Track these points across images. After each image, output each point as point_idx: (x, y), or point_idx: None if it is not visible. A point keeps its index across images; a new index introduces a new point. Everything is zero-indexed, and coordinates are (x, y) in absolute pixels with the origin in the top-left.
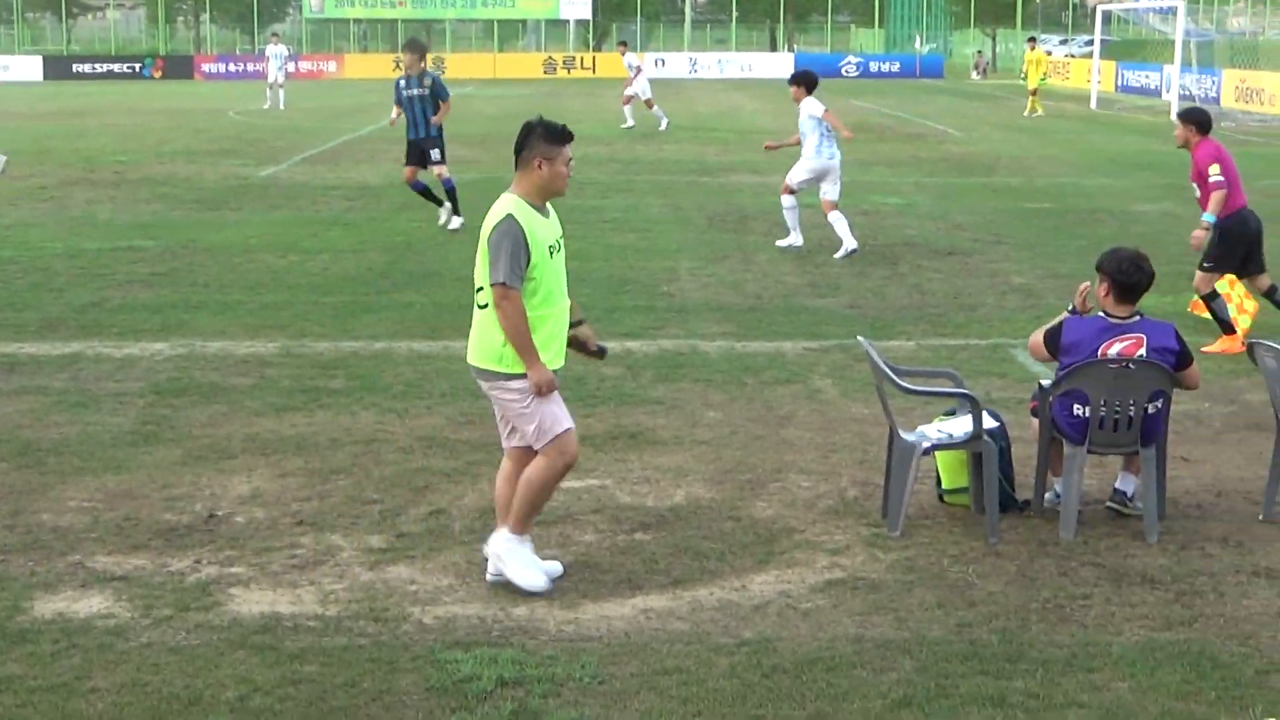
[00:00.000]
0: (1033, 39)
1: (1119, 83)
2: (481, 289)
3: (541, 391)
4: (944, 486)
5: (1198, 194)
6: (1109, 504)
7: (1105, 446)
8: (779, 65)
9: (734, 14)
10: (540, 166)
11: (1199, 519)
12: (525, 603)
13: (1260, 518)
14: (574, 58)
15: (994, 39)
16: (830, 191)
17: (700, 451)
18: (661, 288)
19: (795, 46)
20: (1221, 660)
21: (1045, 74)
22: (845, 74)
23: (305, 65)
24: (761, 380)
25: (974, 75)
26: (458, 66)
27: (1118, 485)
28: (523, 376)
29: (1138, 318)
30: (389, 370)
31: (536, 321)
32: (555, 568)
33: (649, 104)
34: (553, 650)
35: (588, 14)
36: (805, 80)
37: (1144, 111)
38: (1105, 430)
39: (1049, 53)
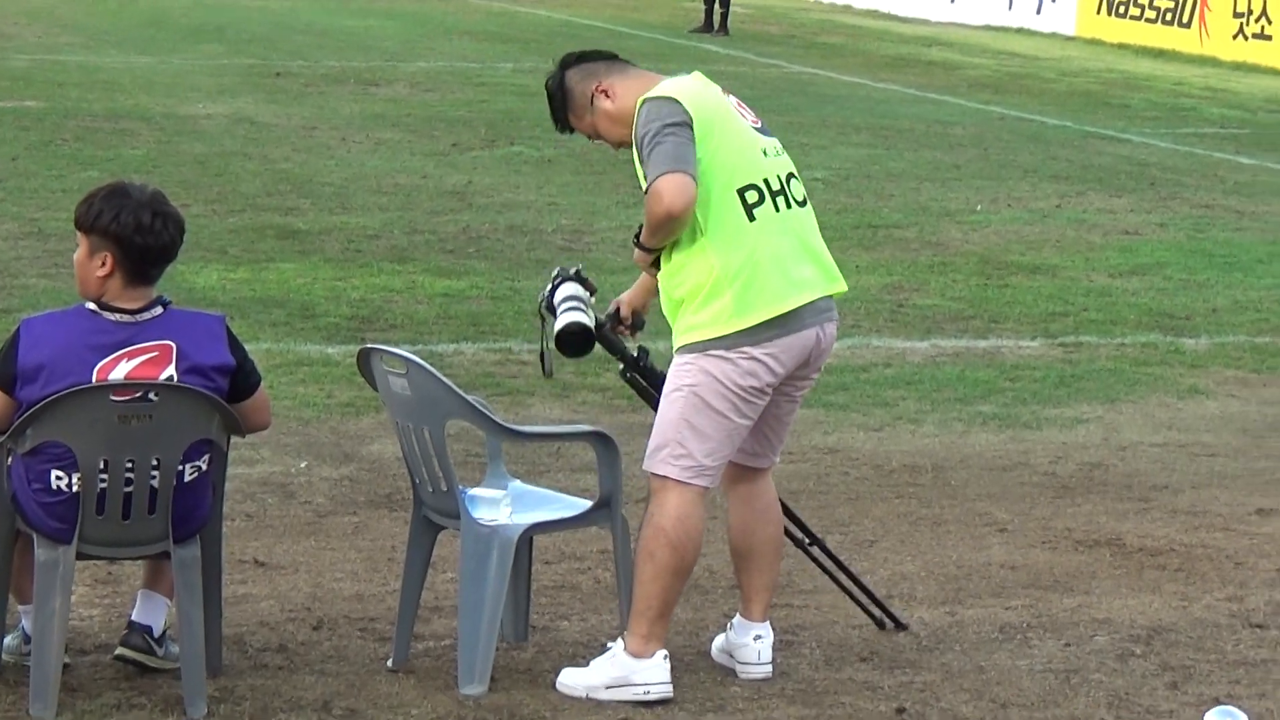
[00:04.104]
0: None
1: None
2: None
3: None
4: None
5: None
6: (120, 652)
7: (111, 545)
8: None
9: None
10: None
11: (281, 671)
12: None
13: (390, 664)
14: None
15: None
16: None
17: None
18: None
19: None
20: None
21: None
22: None
23: None
24: None
25: None
26: None
27: (135, 617)
28: None
29: (160, 310)
30: None
31: None
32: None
33: None
34: None
35: None
36: None
37: None
38: (109, 516)
39: None
